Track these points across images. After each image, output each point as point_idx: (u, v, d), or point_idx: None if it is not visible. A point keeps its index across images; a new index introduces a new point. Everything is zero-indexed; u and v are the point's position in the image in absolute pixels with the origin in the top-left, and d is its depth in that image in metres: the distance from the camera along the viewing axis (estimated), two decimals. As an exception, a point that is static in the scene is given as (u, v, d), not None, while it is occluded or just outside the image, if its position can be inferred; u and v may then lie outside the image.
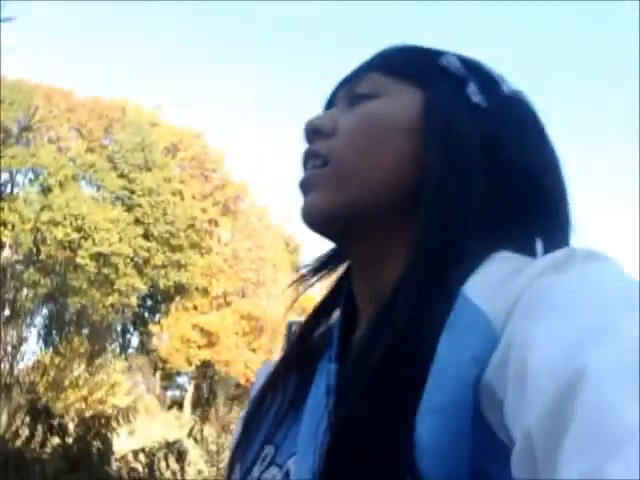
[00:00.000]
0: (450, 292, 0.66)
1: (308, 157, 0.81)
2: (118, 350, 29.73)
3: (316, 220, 0.80)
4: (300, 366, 0.85)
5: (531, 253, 0.75)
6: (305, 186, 0.80)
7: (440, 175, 0.74)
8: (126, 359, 26.80)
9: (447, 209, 0.73)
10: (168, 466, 5.83)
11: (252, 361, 31.58)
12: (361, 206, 0.77)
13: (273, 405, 0.84)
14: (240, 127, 52.11)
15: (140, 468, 5.85)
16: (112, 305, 28.32)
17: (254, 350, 32.10)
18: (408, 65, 0.83)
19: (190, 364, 31.06)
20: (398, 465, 0.60)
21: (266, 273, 34.38)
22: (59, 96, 31.13)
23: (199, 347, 30.76)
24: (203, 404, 29.66)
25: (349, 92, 0.83)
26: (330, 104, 0.87)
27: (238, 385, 31.59)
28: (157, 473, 5.85)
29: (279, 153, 54.41)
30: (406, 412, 0.60)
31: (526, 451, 0.49)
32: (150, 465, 5.86)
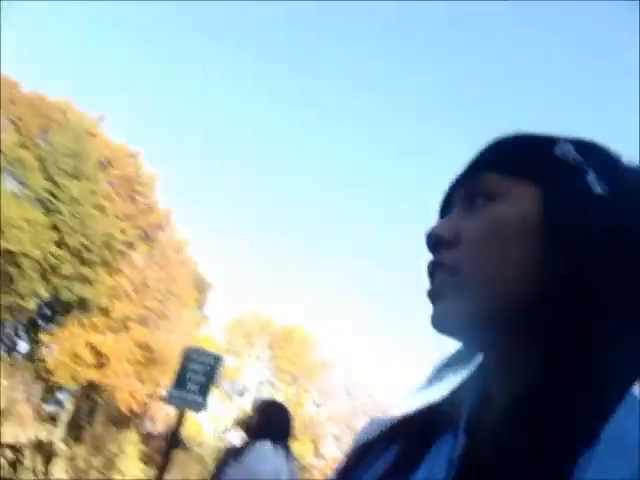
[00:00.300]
0: (611, 403, 0.66)
1: (435, 268, 0.81)
2: (4, 351, 28.82)
3: (447, 328, 0.80)
4: (419, 432, 0.83)
5: None
6: (434, 296, 0.80)
7: (564, 276, 0.73)
8: (10, 363, 25.98)
9: (577, 311, 0.71)
10: (34, 470, 5.66)
11: (138, 391, 30.95)
12: (490, 313, 0.76)
13: (377, 461, 0.83)
14: (180, 159, 51.94)
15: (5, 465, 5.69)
16: (8, 306, 27.53)
17: (142, 381, 31.46)
18: (522, 162, 0.81)
19: (75, 381, 30.25)
20: None
21: (171, 307, 33.96)
22: (4, 85, 30.55)
23: (88, 366, 30.03)
24: (80, 424, 28.85)
25: (466, 194, 0.83)
26: (447, 206, 0.87)
27: (119, 412, 30.87)
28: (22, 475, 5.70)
29: (211, 186, 54.23)
30: None
31: None
32: (14, 463, 5.72)
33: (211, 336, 36.19)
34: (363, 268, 56.86)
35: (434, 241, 0.81)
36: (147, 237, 34.55)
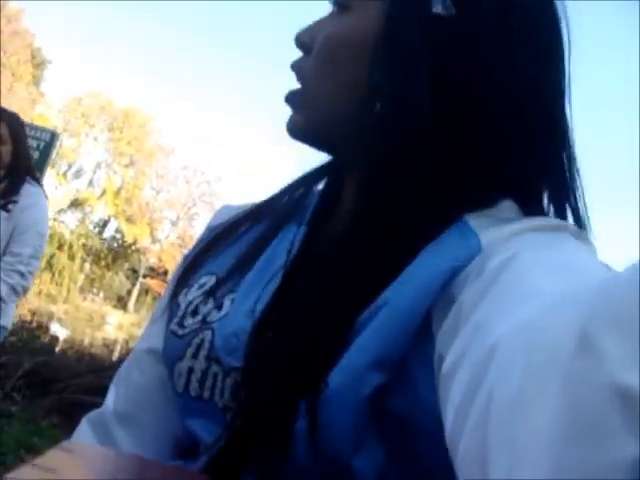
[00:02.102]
0: (448, 215, 0.67)
1: (294, 72, 0.79)
2: None
3: (295, 137, 0.79)
4: (268, 219, 0.83)
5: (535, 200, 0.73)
6: (287, 102, 0.79)
7: (377, 100, 0.71)
8: None
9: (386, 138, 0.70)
10: None
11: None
12: (327, 125, 0.76)
13: (227, 248, 0.83)
14: None
15: None
16: None
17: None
18: None
19: None
20: (340, 333, 0.62)
21: (4, 80, 32.22)
22: None
23: None
24: None
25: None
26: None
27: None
28: None
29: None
30: (365, 293, 0.63)
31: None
32: None
33: (47, 115, 34.82)
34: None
35: (296, 44, 0.79)
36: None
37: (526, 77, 0.70)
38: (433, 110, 0.68)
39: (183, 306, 0.78)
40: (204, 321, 0.75)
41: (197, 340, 0.73)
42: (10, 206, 3.37)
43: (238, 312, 0.72)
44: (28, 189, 3.45)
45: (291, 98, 0.79)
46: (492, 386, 0.39)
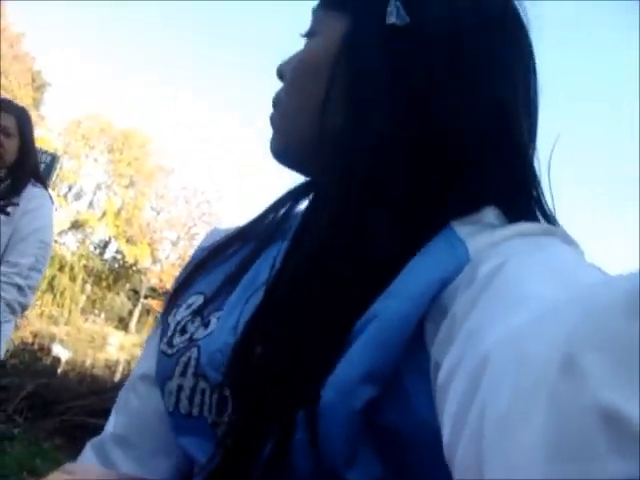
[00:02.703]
0: (434, 223, 0.66)
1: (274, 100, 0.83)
2: None
3: (277, 158, 0.81)
4: (256, 239, 0.85)
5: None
6: (270, 126, 0.82)
7: (339, 117, 0.71)
8: None
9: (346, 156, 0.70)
10: None
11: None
12: (300, 146, 0.78)
13: (215, 268, 0.84)
14: None
15: None
16: None
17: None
18: None
19: None
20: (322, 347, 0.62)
21: (4, 104, 32.21)
22: None
23: None
24: None
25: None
26: None
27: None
28: None
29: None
30: (348, 310, 0.62)
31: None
32: None
33: (48, 137, 34.88)
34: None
35: (276, 75, 0.83)
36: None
37: (478, 87, 0.70)
38: (391, 118, 0.69)
39: (172, 326, 0.80)
40: (191, 339, 0.76)
41: (184, 358, 0.74)
42: (10, 209, 2.90)
43: (223, 329, 0.73)
44: (31, 191, 3.04)
45: (271, 120, 0.82)
46: (484, 400, 0.40)
